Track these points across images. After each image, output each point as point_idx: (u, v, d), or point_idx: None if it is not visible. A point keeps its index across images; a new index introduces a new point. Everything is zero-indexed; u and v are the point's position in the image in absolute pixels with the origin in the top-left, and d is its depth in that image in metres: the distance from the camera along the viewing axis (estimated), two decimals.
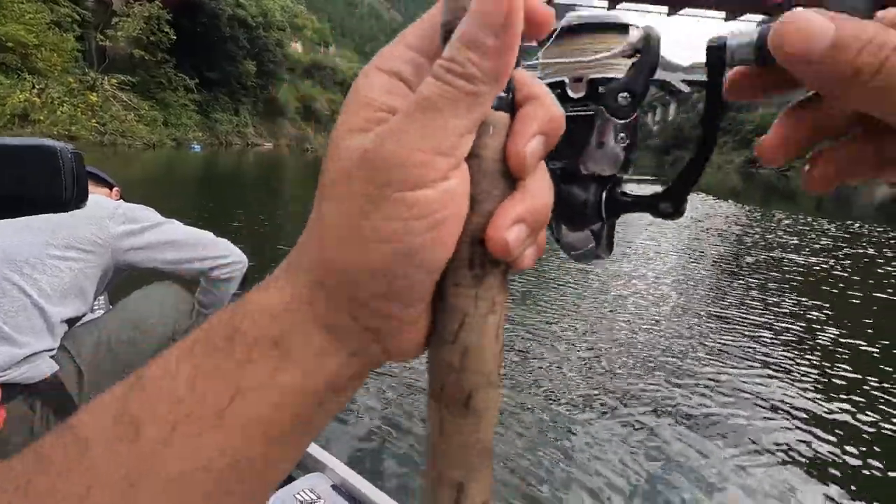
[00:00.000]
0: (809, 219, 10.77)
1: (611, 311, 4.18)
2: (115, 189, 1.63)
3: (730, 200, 14.54)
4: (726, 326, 3.94)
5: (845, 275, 5.78)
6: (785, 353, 3.49)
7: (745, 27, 0.24)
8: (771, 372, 3.19)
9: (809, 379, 3.11)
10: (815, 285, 5.29)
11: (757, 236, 8.24)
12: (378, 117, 0.18)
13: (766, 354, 3.45)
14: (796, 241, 7.85)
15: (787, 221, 10.28)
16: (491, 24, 0.16)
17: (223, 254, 1.43)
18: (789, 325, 4.02)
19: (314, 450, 1.35)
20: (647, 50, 0.24)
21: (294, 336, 0.19)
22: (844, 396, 2.89)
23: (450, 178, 0.18)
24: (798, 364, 3.33)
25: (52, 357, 1.13)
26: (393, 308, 0.19)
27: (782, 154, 0.21)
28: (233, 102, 39.97)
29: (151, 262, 1.34)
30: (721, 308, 4.40)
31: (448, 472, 0.21)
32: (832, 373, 3.21)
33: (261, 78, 41.87)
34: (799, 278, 5.57)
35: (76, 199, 0.70)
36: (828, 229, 9.32)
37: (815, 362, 3.36)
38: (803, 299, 4.72)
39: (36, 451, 0.19)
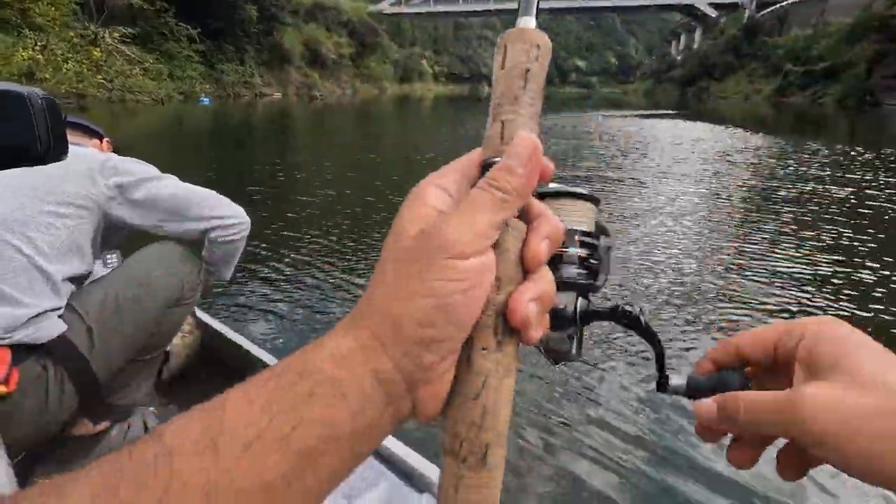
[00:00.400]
0: (845, 148, 10.20)
1: (637, 250, 4.03)
2: (105, 140, 1.51)
3: (760, 133, 13.80)
4: (759, 265, 3.77)
5: (886, 206, 5.47)
6: (824, 291, 3.34)
7: (678, 379, 0.34)
8: (809, 312, 3.06)
9: (846, 316, 2.97)
10: (853, 218, 5.01)
11: (790, 169, 7.83)
12: (432, 214, 0.25)
13: (802, 292, 3.31)
14: (831, 173, 7.45)
15: (822, 151, 9.74)
16: (521, 159, 0.25)
17: (224, 214, 1.35)
18: (826, 261, 3.83)
19: None
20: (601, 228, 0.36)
21: (350, 379, 0.23)
22: (887, 332, 2.76)
23: (482, 256, 0.24)
24: (839, 301, 3.18)
25: (59, 317, 1.10)
26: (428, 357, 0.24)
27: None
28: (237, 51, 38.84)
29: (147, 219, 1.26)
30: (753, 246, 4.21)
31: None
32: (873, 308, 3.06)
33: (263, 23, 40.36)
34: (835, 211, 5.29)
35: (54, 151, 0.65)
36: (865, 158, 8.82)
37: (855, 298, 3.21)
38: (843, 232, 4.49)
39: (126, 453, 0.22)
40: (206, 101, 29.21)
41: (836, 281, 3.50)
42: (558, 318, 0.33)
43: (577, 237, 0.33)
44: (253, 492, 0.21)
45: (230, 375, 1.72)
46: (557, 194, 0.35)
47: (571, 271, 0.33)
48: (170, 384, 1.59)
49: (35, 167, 1.13)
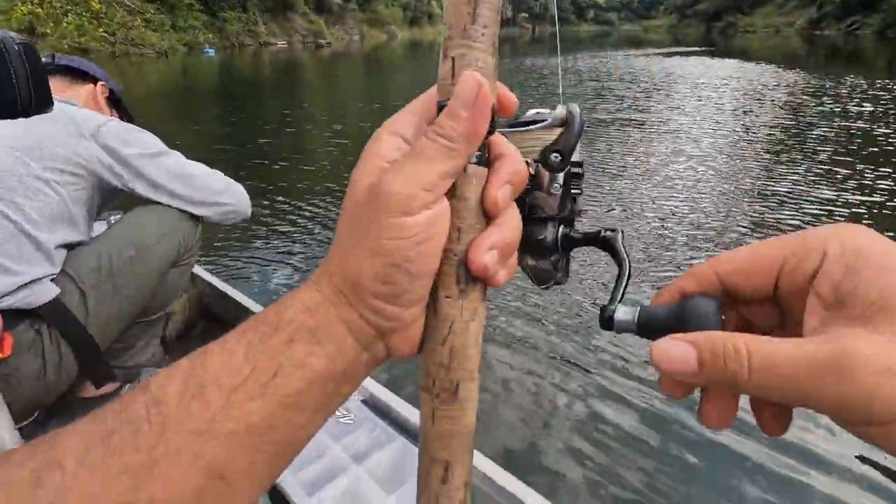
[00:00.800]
0: (886, 82, 9.54)
1: (664, 188, 3.84)
2: (100, 84, 1.37)
3: (793, 69, 12.96)
4: (793, 208, 3.57)
5: None
6: None
7: (625, 312, 0.27)
8: None
9: None
10: (893, 156, 4.70)
11: (826, 106, 7.35)
12: (384, 167, 0.25)
13: None
14: (871, 108, 6.98)
15: (861, 86, 9.12)
16: (464, 102, 0.23)
17: (224, 202, 1.28)
18: (866, 202, 3.61)
19: None
20: (571, 120, 0.32)
21: (324, 327, 0.24)
22: None
23: (431, 209, 0.24)
24: None
25: (52, 281, 1.05)
26: (391, 310, 0.25)
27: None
28: None
29: (141, 191, 1.19)
30: (786, 188, 3.98)
31: (438, 453, 0.26)
32: None
33: None
34: (876, 150, 4.97)
35: (37, 102, 0.62)
36: None
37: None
38: (886, 172, 4.21)
39: (117, 405, 0.23)
40: (210, 52, 28.49)
41: (877, 223, 3.30)
42: (541, 248, 0.34)
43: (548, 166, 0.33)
44: (240, 434, 0.22)
45: (226, 330, 1.59)
46: (526, 125, 0.33)
47: (546, 205, 0.33)
48: (176, 343, 1.55)
49: (22, 129, 1.05)
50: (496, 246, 0.24)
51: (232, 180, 1.34)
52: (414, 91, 0.28)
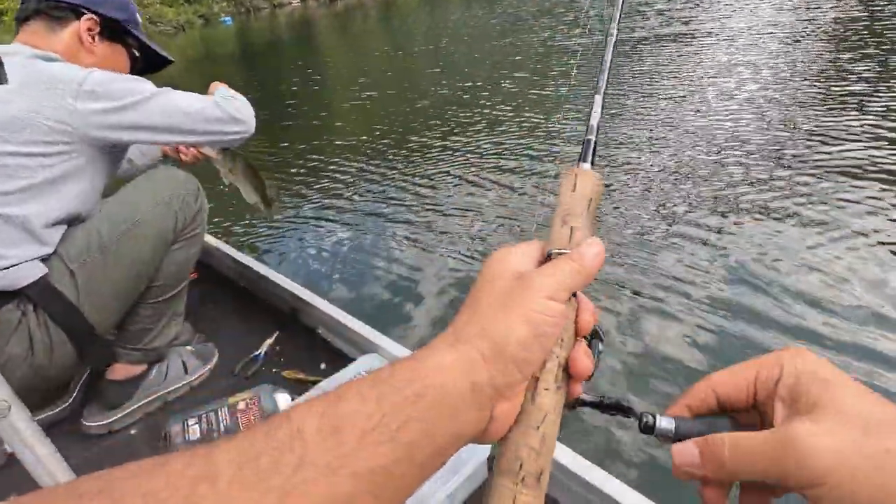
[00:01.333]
0: None
1: (694, 125, 3.53)
2: (84, 19, 1.14)
3: None
4: (844, 109, 3.19)
5: None
6: None
7: (667, 422, 0.32)
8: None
9: None
10: None
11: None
12: (518, 268, 0.33)
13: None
14: None
15: None
16: (595, 253, 0.33)
17: (224, 129, 1.16)
18: None
19: (367, 331, 1.31)
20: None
21: (452, 386, 0.28)
22: None
23: (564, 304, 0.31)
24: None
25: (44, 261, 1.01)
26: (517, 375, 0.29)
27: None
28: None
29: (140, 138, 1.09)
30: (837, 91, 3.55)
31: None
32: None
33: None
34: None
35: None
36: None
37: None
38: None
39: (264, 428, 0.25)
40: (227, 20, 28.13)
41: None
42: None
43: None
44: (365, 474, 0.24)
45: (257, 305, 1.51)
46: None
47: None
48: (199, 317, 1.55)
49: None
50: (589, 365, 0.32)
51: (232, 95, 1.22)
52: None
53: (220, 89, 1.25)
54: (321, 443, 0.24)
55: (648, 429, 0.32)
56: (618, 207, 2.60)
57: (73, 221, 1.07)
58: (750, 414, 0.31)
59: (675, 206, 2.56)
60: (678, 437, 0.31)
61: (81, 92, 1.01)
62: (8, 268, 0.95)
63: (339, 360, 1.36)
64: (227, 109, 1.15)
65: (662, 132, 3.49)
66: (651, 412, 0.32)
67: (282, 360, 1.39)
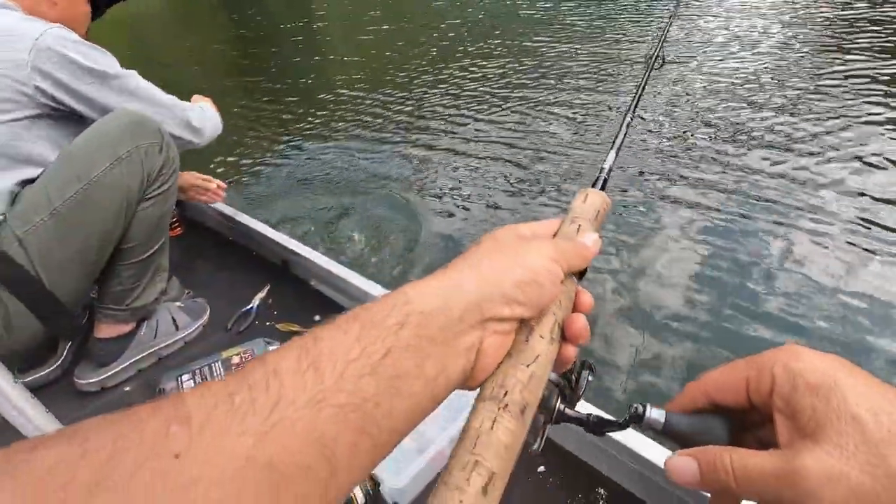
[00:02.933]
0: None
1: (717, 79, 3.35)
2: None
3: None
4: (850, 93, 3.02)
5: None
6: None
7: (657, 413, 0.31)
8: None
9: None
10: None
11: None
12: (523, 233, 0.35)
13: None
14: None
15: None
16: (594, 241, 0.36)
17: (182, 136, 1.16)
18: None
19: (359, 280, 1.28)
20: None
21: (438, 313, 0.27)
22: None
23: (559, 266, 0.32)
24: None
25: None
26: (507, 311, 0.29)
27: None
28: None
29: (94, 114, 1.04)
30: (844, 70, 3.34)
31: (487, 461, 0.25)
32: None
33: None
34: None
35: None
36: None
37: None
38: None
39: (238, 373, 0.24)
40: None
41: None
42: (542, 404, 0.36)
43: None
44: (350, 408, 0.23)
45: (247, 258, 1.48)
46: None
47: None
48: (186, 271, 1.51)
49: None
50: (585, 324, 0.33)
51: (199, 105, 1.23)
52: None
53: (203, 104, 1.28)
54: (299, 380, 0.23)
55: (637, 418, 0.31)
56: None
57: (25, 183, 1.00)
58: (748, 413, 0.29)
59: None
60: (667, 430, 0.31)
61: (40, 54, 0.95)
62: None
63: (334, 311, 1.33)
64: (190, 116, 1.17)
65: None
66: (641, 402, 0.32)
67: (275, 313, 1.36)
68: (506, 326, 0.29)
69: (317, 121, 3.77)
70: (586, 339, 0.33)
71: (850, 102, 2.76)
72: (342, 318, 0.26)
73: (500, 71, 4.05)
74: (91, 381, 1.15)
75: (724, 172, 2.31)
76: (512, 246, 0.32)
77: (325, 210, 2.59)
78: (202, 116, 1.22)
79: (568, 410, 0.37)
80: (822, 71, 3.20)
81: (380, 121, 3.54)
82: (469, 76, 4.09)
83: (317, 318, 1.33)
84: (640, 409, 0.31)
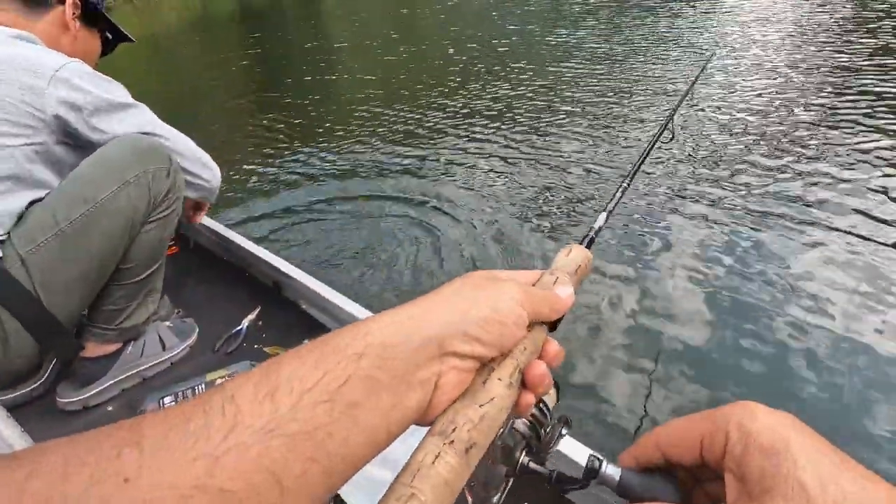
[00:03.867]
0: None
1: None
2: (69, 1, 1.14)
3: None
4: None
5: None
6: None
7: (613, 470, 0.32)
8: None
9: None
10: None
11: None
12: (495, 276, 0.35)
13: None
14: None
15: None
16: (565, 297, 0.37)
17: (197, 171, 1.19)
18: None
19: (350, 306, 1.28)
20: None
21: (397, 345, 0.27)
22: None
23: (525, 313, 0.32)
24: None
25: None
26: (466, 348, 0.29)
27: None
28: None
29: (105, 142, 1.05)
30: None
31: (422, 495, 0.25)
32: None
33: None
34: None
35: None
36: None
37: None
38: None
39: (196, 399, 0.24)
40: None
41: None
42: (507, 455, 0.37)
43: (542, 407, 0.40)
44: (302, 436, 0.23)
45: (239, 279, 1.48)
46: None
47: (525, 421, 0.39)
48: (178, 290, 1.51)
49: None
50: (546, 372, 0.33)
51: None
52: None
53: None
54: (256, 406, 0.23)
55: (592, 473, 0.32)
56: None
57: (30, 204, 1.01)
58: (701, 467, 0.29)
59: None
60: (621, 488, 0.31)
61: (57, 78, 0.98)
62: None
63: (322, 335, 1.32)
64: (206, 157, 1.22)
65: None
66: (599, 455, 0.32)
67: (264, 335, 1.35)
68: (465, 364, 0.29)
69: (331, 138, 3.82)
70: (545, 389, 0.33)
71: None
72: (305, 347, 0.26)
73: (513, 100, 4.08)
74: (73, 399, 1.13)
75: (745, 195, 2.30)
76: (481, 285, 0.32)
77: (327, 231, 2.60)
78: (208, 160, 1.24)
79: (532, 464, 0.37)
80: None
81: (390, 143, 3.58)
82: (479, 103, 4.14)
83: (305, 341, 1.31)
84: (597, 462, 0.32)
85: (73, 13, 1.14)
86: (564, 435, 0.39)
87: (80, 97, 1.00)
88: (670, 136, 0.73)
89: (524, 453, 0.38)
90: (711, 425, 0.27)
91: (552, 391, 0.47)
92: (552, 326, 0.36)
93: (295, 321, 1.39)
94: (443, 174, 3.03)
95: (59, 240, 0.97)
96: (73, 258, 0.99)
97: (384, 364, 0.26)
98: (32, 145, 1.00)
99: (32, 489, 0.19)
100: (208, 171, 1.23)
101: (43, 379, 1.16)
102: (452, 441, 0.27)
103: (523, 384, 0.32)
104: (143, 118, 1.10)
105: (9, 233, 0.97)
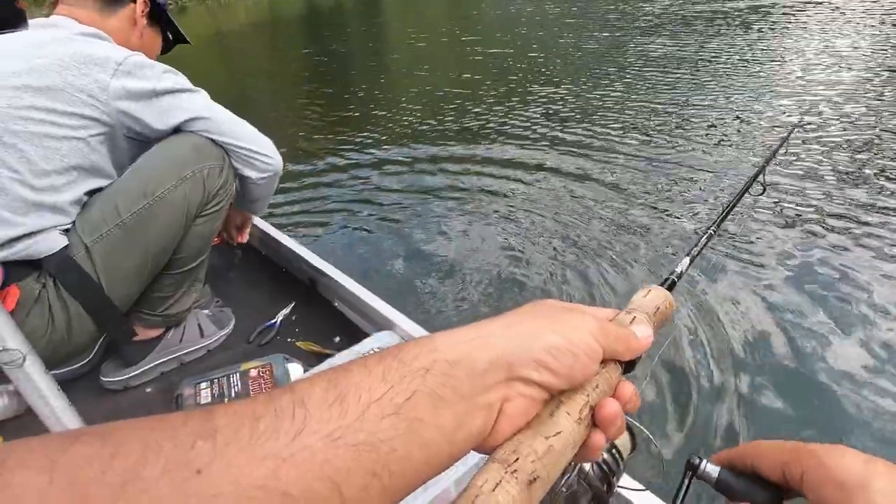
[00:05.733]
0: None
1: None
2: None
3: None
4: None
5: None
6: None
7: (712, 468, 0.35)
8: None
9: None
10: None
11: None
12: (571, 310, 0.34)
13: None
14: None
15: None
16: (639, 346, 0.34)
17: (256, 149, 1.17)
18: None
19: (383, 307, 1.27)
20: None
21: (464, 360, 0.27)
22: None
23: (599, 348, 0.30)
24: None
25: (65, 233, 1.01)
26: (535, 375, 0.28)
27: None
28: None
29: (161, 126, 1.09)
30: None
31: None
32: None
33: None
34: None
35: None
36: None
37: None
38: None
39: (266, 396, 0.24)
40: None
41: None
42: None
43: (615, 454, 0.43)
44: (366, 447, 0.23)
45: (277, 274, 1.48)
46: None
47: (597, 467, 0.41)
48: (220, 283, 1.55)
49: (32, 70, 0.98)
50: (619, 411, 0.31)
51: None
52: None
53: None
54: (324, 412, 0.23)
55: (692, 468, 0.34)
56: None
57: (92, 193, 1.07)
58: (787, 487, 0.31)
59: None
60: (719, 485, 0.33)
61: (118, 70, 1.02)
62: (25, 235, 0.96)
63: (354, 334, 1.33)
64: (268, 143, 1.21)
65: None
66: (700, 455, 0.34)
67: (297, 330, 1.38)
68: (533, 392, 0.28)
69: (384, 142, 3.88)
70: (618, 431, 0.31)
71: None
72: (372, 357, 0.26)
73: (593, 113, 3.86)
74: (116, 379, 1.19)
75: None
76: (553, 313, 0.30)
77: (374, 233, 2.62)
78: (268, 143, 1.23)
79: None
80: None
81: (443, 153, 3.56)
82: (552, 113, 4.02)
83: (337, 339, 1.33)
84: (697, 460, 0.34)
85: (143, 10, 1.20)
86: (629, 455, 0.39)
87: (141, 85, 1.04)
88: (761, 189, 0.68)
89: None
90: (795, 454, 0.30)
91: (627, 439, 0.45)
92: (628, 368, 0.34)
93: (328, 318, 1.40)
94: (510, 187, 2.92)
95: (121, 230, 1.02)
96: (133, 248, 1.04)
97: (450, 382, 0.26)
98: (97, 136, 1.04)
99: (116, 468, 0.19)
100: (269, 151, 1.21)
101: (90, 357, 1.23)
102: (515, 471, 0.25)
103: (594, 423, 0.30)
104: (201, 103, 1.12)
105: (73, 222, 1.03)
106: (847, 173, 2.61)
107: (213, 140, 1.11)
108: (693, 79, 4.37)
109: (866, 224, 2.18)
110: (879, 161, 2.69)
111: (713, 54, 4.92)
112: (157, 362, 1.24)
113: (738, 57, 4.77)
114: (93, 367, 1.24)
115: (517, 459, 0.26)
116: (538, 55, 5.96)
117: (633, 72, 4.74)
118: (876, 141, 2.91)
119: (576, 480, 0.38)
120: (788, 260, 2.01)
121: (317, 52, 8.03)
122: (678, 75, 4.50)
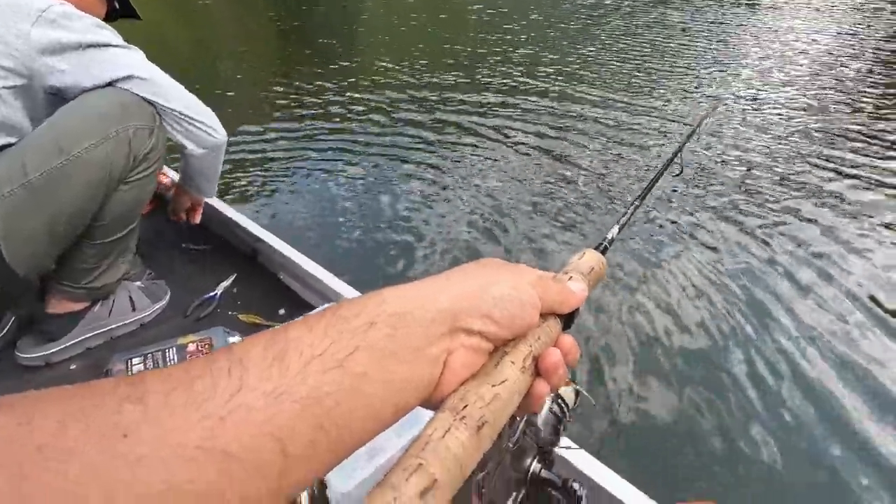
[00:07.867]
0: None
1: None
2: None
3: None
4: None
5: None
6: None
7: None
8: None
9: None
10: None
11: None
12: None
13: None
14: None
15: None
16: (579, 290, 0.37)
17: (197, 117, 1.09)
18: None
19: (330, 279, 1.27)
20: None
21: (408, 317, 0.27)
22: None
23: (538, 299, 0.32)
24: None
25: None
26: (480, 325, 0.29)
27: None
28: None
29: (86, 84, 0.99)
30: None
31: (431, 467, 0.24)
32: None
33: None
34: None
35: None
36: None
37: None
38: None
39: (203, 359, 0.23)
40: None
41: None
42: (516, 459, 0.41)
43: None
44: (309, 402, 0.23)
45: (216, 244, 1.43)
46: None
47: (545, 415, 0.45)
48: (154, 255, 1.46)
49: None
50: (561, 360, 0.32)
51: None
52: None
53: None
54: (264, 370, 0.23)
55: None
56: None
57: (1, 149, 0.95)
58: None
59: None
60: None
61: (41, 17, 0.92)
62: None
63: (300, 307, 1.31)
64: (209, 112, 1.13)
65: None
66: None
67: (239, 303, 1.33)
68: (475, 342, 0.29)
69: (348, 116, 3.73)
70: (560, 380, 0.32)
71: None
72: (312, 315, 0.26)
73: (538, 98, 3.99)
74: (34, 355, 1.09)
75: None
76: (495, 267, 0.32)
77: (322, 204, 2.54)
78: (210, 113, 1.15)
79: (544, 472, 0.38)
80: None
81: (398, 119, 3.51)
82: (505, 97, 4.06)
83: (281, 311, 1.30)
84: None
85: None
86: (569, 419, 0.40)
87: (66, 36, 0.94)
88: (678, 169, 0.74)
89: (535, 460, 0.38)
90: None
91: (571, 392, 0.47)
92: (566, 325, 0.35)
93: (271, 291, 1.36)
94: (456, 162, 2.98)
95: (26, 190, 0.91)
96: (40, 211, 0.93)
97: (395, 334, 0.26)
98: (10, 89, 0.94)
99: (31, 435, 0.18)
100: (212, 122, 1.13)
101: (2, 333, 1.11)
102: (464, 417, 0.26)
103: (538, 374, 0.31)
104: (138, 61, 1.02)
105: None
106: (766, 154, 2.93)
107: (144, 99, 1.02)
108: (641, 56, 4.63)
109: (779, 203, 2.46)
110: (803, 141, 3.02)
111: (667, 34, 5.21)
112: (82, 337, 1.14)
113: (687, 38, 5.10)
114: (7, 344, 1.12)
115: (465, 406, 0.27)
116: (506, 25, 5.98)
117: (587, 50, 4.92)
118: (802, 121, 3.27)
119: (522, 436, 0.39)
120: (702, 229, 2.25)
121: (285, 28, 7.48)
122: (629, 54, 4.74)
